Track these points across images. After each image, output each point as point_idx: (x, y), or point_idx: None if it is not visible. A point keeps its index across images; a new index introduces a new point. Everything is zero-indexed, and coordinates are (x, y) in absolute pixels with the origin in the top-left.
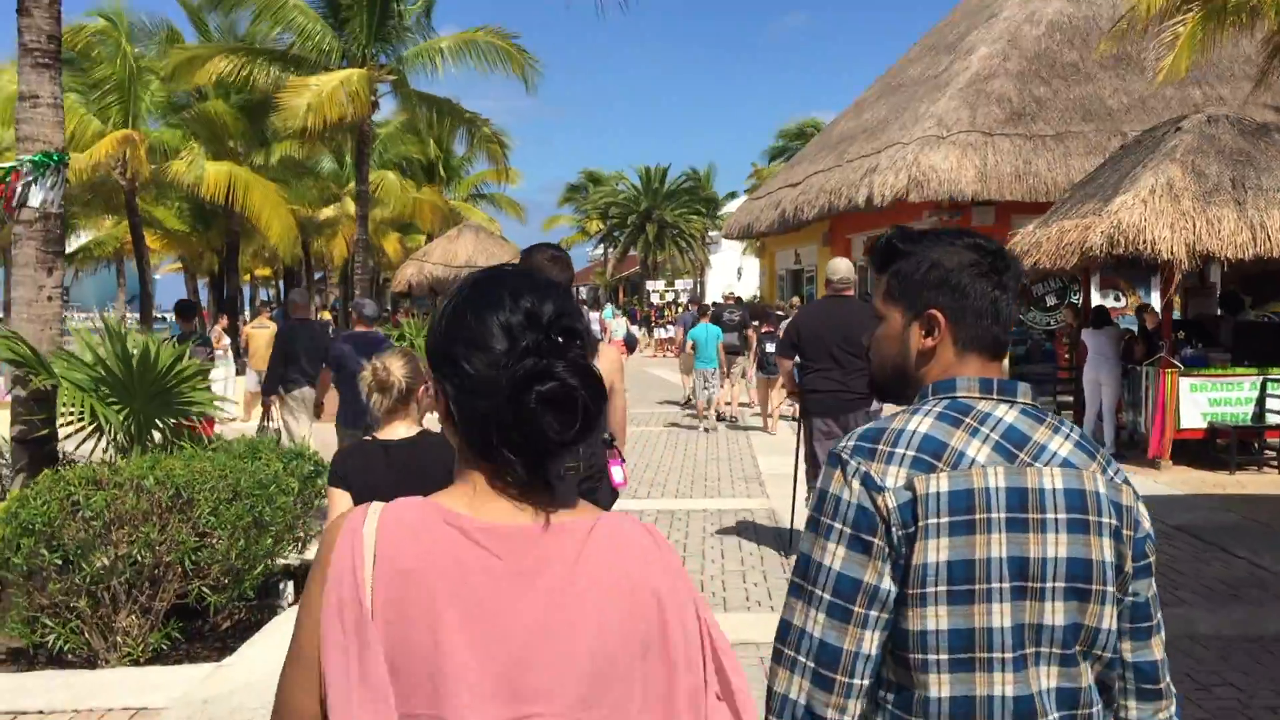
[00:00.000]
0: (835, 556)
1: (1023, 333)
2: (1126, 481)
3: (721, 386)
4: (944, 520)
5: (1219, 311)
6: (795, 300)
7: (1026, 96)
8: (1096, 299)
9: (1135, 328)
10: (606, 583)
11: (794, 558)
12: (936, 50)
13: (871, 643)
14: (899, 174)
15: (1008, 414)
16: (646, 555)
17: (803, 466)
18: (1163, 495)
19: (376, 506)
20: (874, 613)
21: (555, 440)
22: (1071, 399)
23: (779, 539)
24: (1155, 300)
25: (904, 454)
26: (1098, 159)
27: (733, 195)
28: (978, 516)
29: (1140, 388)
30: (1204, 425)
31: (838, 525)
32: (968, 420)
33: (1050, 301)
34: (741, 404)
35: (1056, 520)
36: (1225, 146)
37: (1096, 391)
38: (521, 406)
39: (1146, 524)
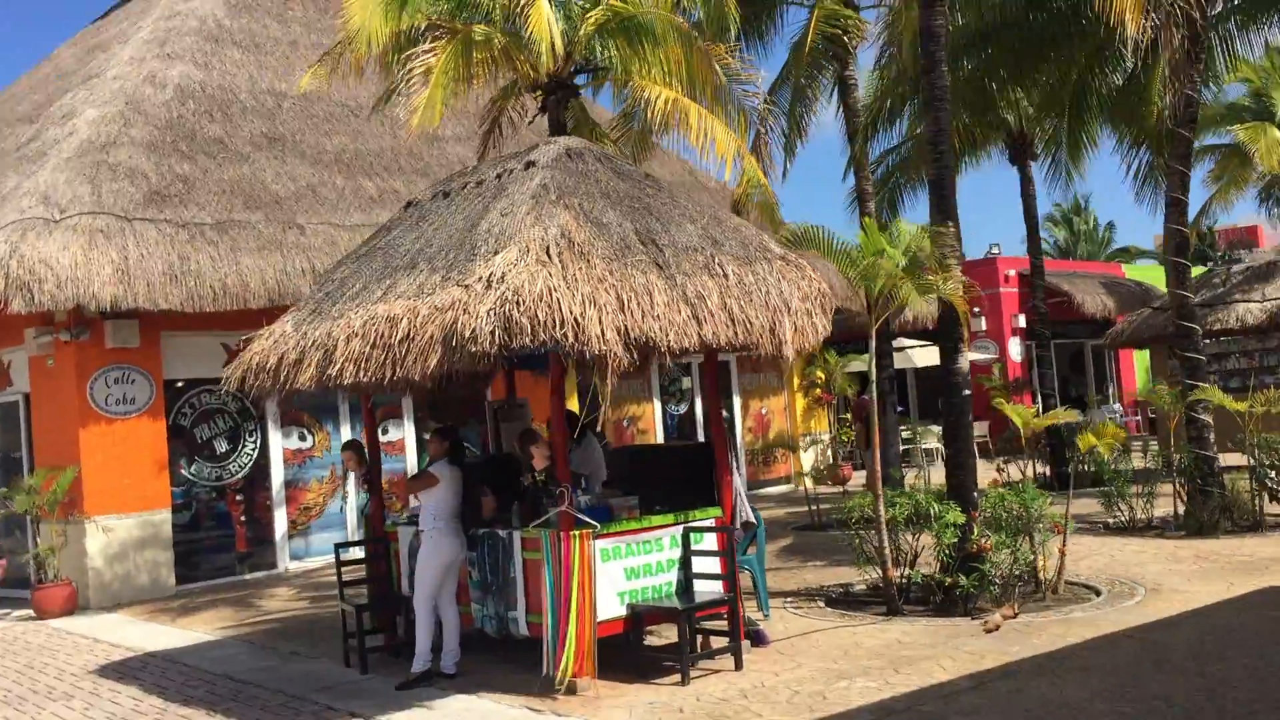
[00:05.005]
0: None
1: (185, 494)
2: None
3: None
4: None
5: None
6: None
7: (168, 174)
8: (279, 440)
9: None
10: None
11: None
12: (7, 123)
13: None
14: None
15: None
16: None
17: None
18: None
19: None
20: None
21: None
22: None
23: None
24: (344, 434)
25: None
26: (275, 255)
27: None
28: None
29: (508, 559)
30: (624, 612)
31: None
32: None
33: (222, 448)
34: None
35: None
36: (610, 189)
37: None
38: None
39: None
